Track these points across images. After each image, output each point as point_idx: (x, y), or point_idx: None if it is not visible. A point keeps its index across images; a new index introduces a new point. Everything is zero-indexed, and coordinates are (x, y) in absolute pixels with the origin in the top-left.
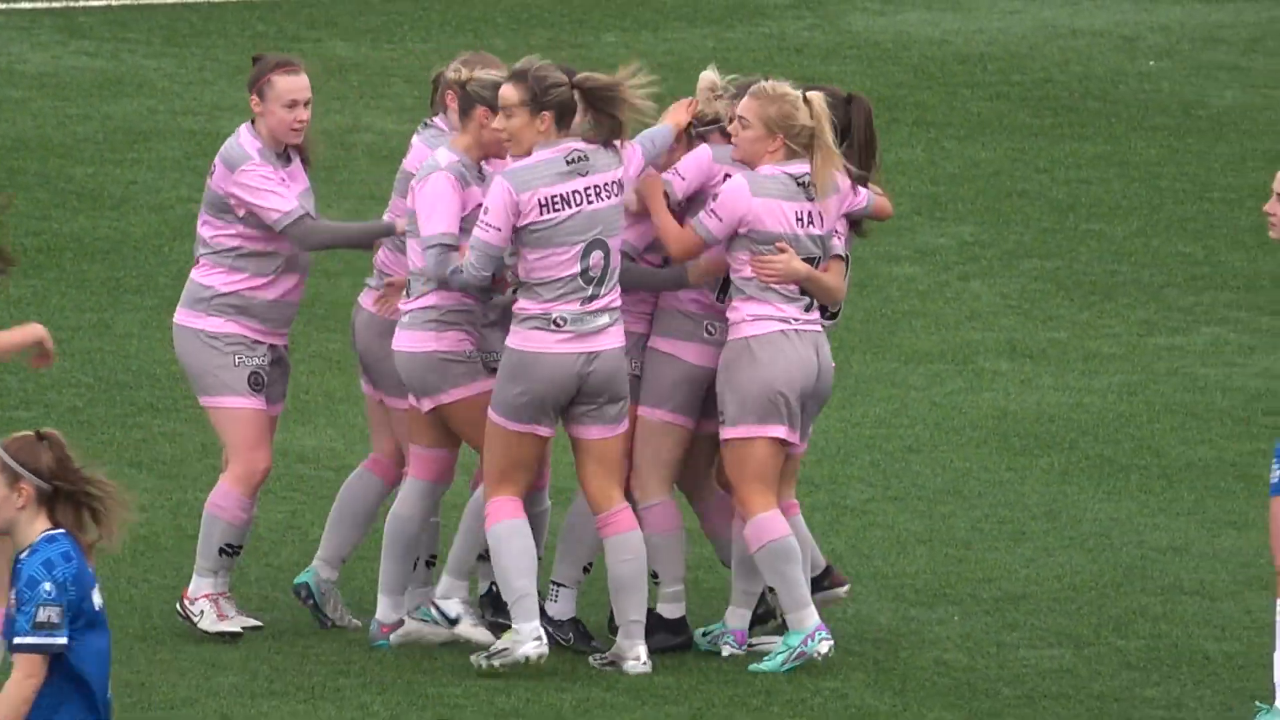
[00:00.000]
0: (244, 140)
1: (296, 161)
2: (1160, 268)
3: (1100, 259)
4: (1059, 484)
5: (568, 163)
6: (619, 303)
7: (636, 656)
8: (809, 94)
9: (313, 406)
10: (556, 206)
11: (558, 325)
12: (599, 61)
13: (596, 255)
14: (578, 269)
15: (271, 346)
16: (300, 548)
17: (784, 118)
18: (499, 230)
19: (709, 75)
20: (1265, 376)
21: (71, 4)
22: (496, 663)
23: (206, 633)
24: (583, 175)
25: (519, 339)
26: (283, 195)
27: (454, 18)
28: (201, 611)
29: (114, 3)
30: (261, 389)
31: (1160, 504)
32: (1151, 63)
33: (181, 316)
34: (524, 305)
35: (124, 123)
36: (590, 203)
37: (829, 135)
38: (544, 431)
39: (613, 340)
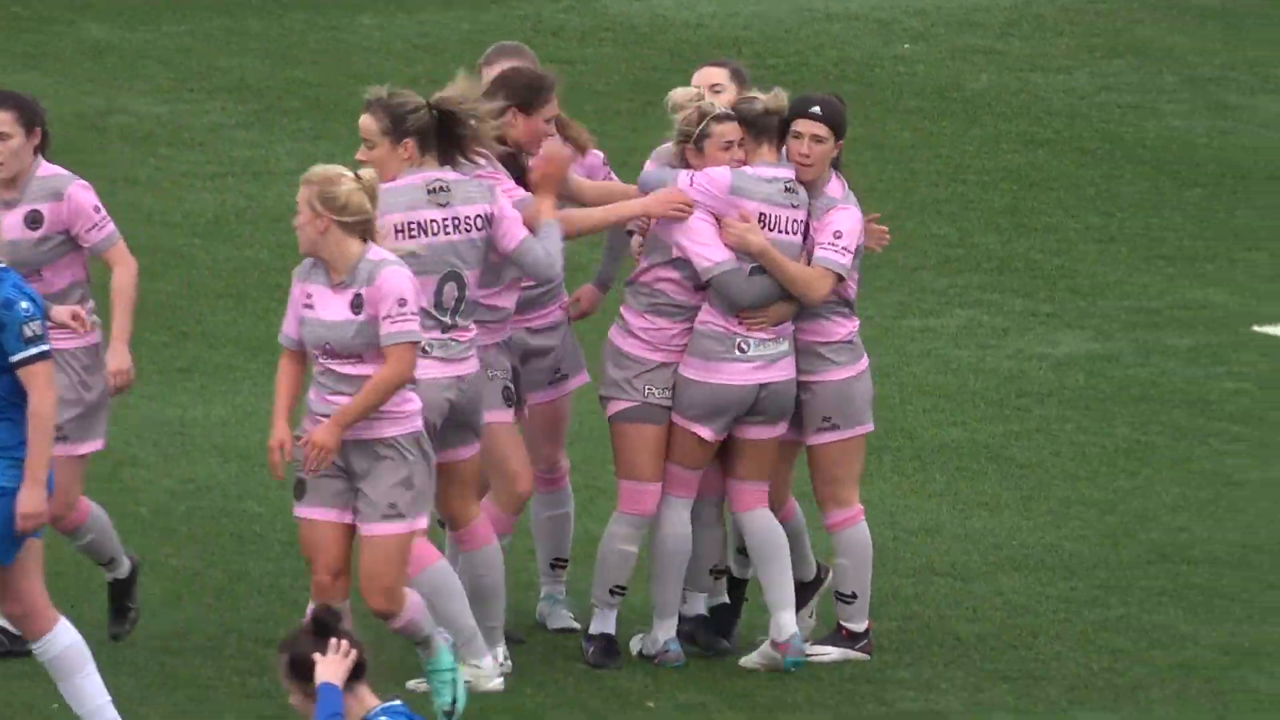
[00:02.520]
0: None
1: None
2: (914, 250)
3: None
4: None
5: (429, 191)
6: (475, 332)
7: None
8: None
9: None
10: (412, 233)
11: (425, 352)
12: (354, 45)
13: (450, 288)
14: (430, 300)
15: None
16: (51, 530)
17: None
18: None
19: (687, 90)
20: (1018, 358)
21: None
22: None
23: None
24: (442, 206)
25: None
26: None
27: (211, 0)
28: None
29: None
30: None
31: (913, 485)
32: (907, 46)
33: None
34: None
35: None
36: (447, 234)
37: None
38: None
39: (472, 366)
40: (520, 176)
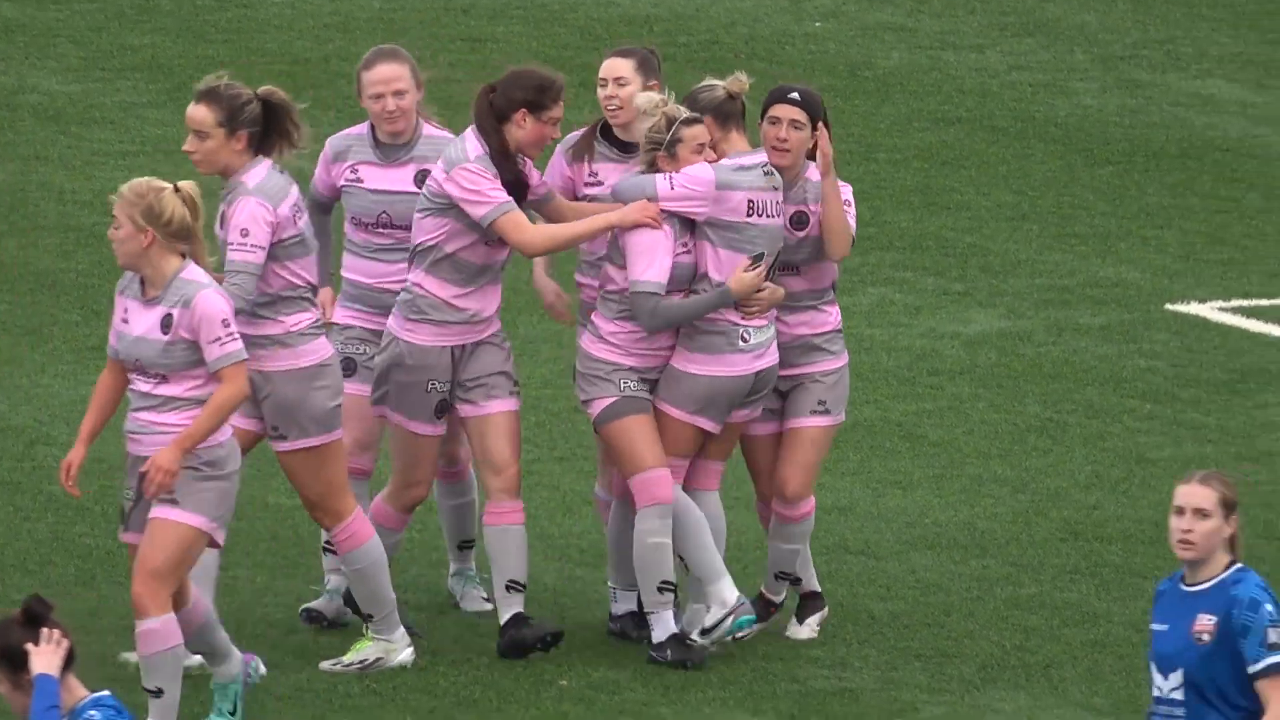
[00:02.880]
0: None
1: None
2: None
3: None
4: None
5: (281, 173)
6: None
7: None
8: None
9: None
10: (299, 217)
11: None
12: (265, 23)
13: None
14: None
15: None
16: None
17: None
18: (262, 250)
19: (652, 95)
20: (930, 337)
21: None
22: (356, 669)
23: None
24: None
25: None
26: None
27: None
28: None
29: None
30: None
31: (826, 464)
32: (818, 24)
33: None
34: (301, 318)
35: None
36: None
37: None
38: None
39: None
40: (516, 179)
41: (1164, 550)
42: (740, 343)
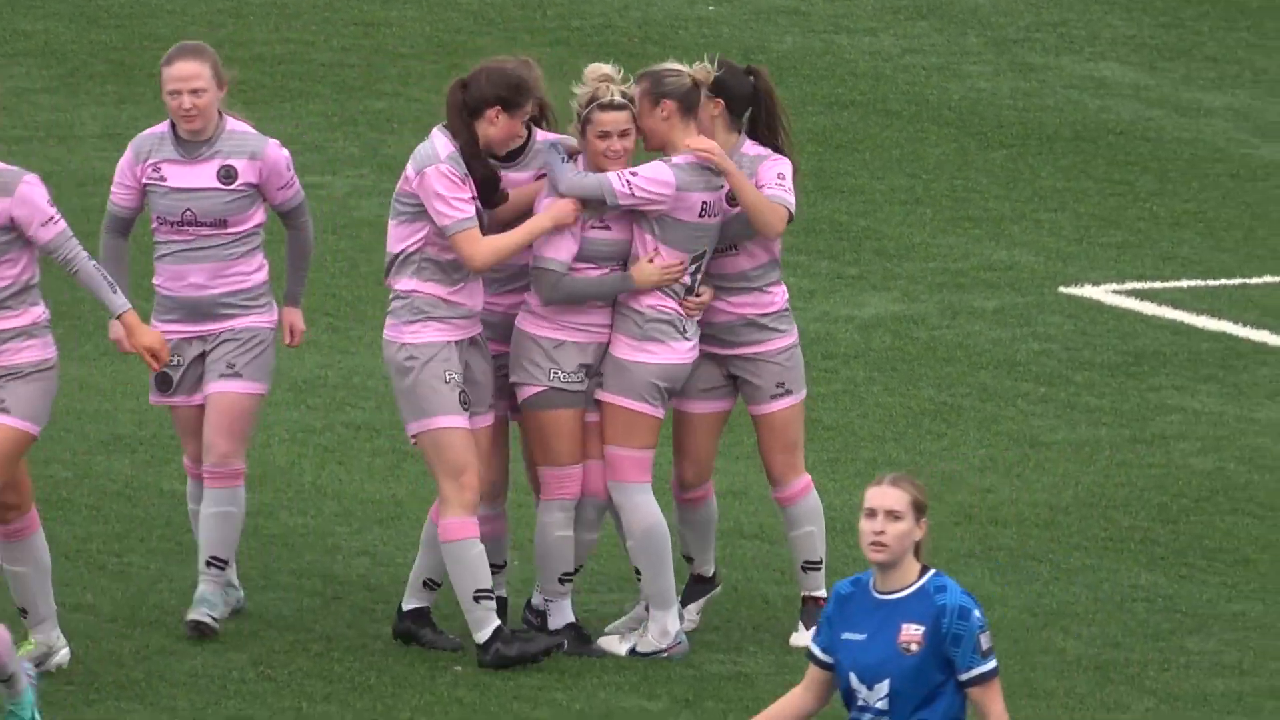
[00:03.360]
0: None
1: None
2: None
3: None
4: None
5: None
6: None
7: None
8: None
9: None
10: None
11: None
12: (158, 8)
13: None
14: None
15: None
16: None
17: None
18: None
19: (600, 66)
20: (824, 320)
21: None
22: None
23: None
24: None
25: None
26: None
27: None
28: None
29: None
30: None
31: (720, 448)
32: (711, 8)
33: None
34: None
35: None
36: None
37: None
38: None
39: None
40: (487, 177)
41: (1058, 534)
42: (684, 334)
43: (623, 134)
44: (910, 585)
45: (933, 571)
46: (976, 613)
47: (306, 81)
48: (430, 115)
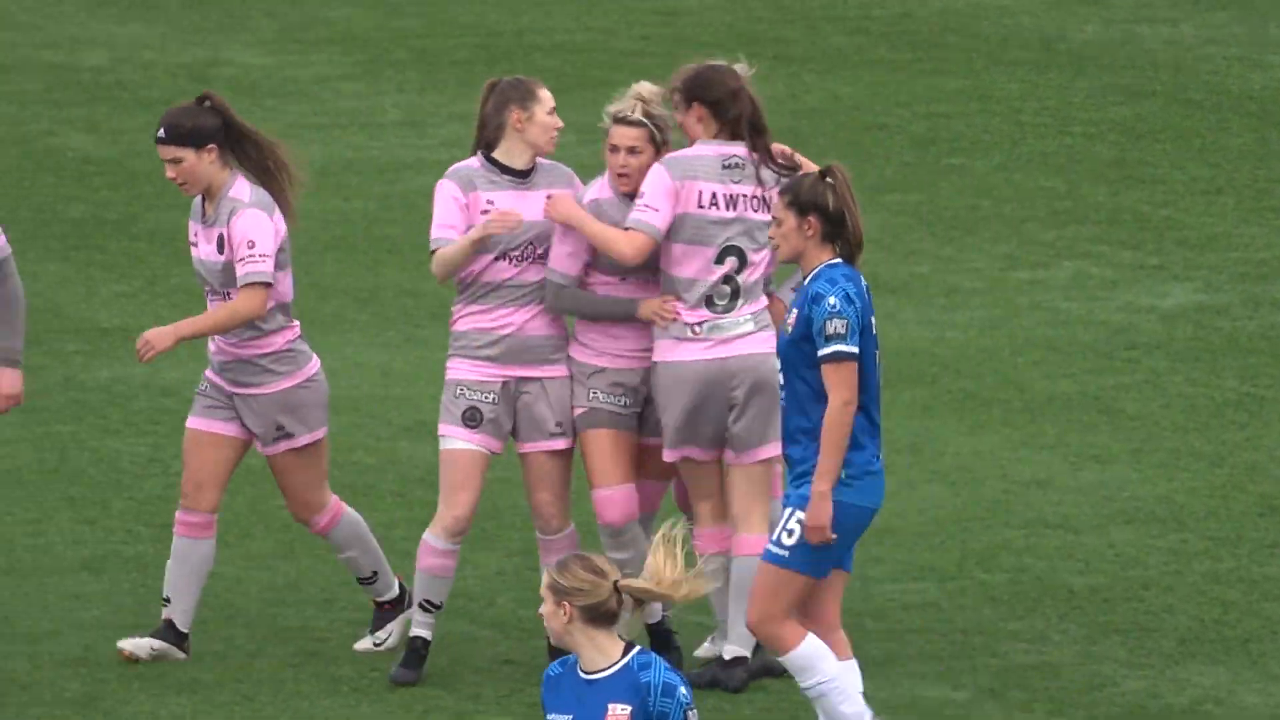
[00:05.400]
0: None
1: None
2: (1022, 202)
3: (961, 193)
4: (921, 418)
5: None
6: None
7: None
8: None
9: None
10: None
11: None
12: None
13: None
14: None
15: None
16: (163, 480)
17: None
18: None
19: (644, 84)
20: (1127, 310)
21: None
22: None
23: None
24: None
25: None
26: None
27: None
28: None
29: None
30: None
31: (1023, 438)
32: None
33: None
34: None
35: None
36: None
37: None
38: None
39: None
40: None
41: None
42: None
43: (631, 150)
44: (615, 664)
45: (637, 649)
46: (682, 689)
47: (607, 70)
48: None
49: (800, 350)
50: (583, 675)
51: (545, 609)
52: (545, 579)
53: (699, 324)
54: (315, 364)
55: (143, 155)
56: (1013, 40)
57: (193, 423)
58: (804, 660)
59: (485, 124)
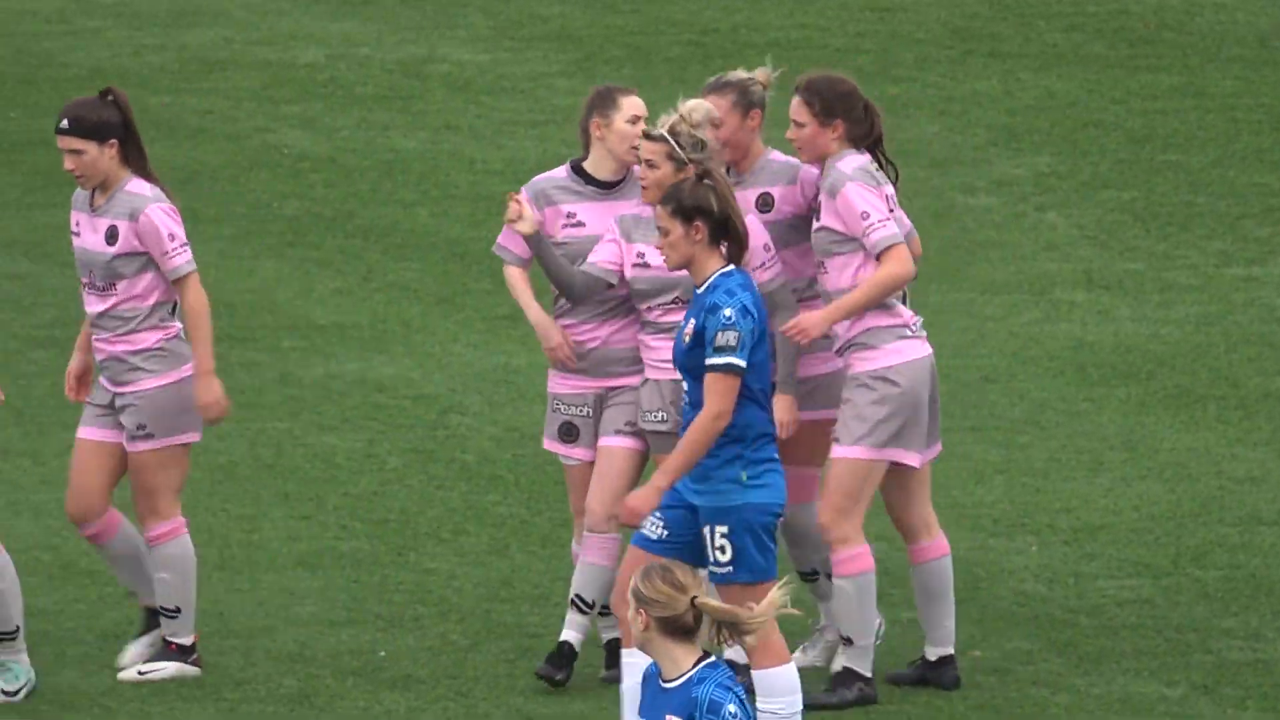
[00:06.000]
0: None
1: None
2: (1237, 198)
3: (1177, 190)
4: (1136, 414)
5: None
6: None
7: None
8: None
9: (389, 335)
10: None
11: None
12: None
13: None
14: None
15: None
16: (378, 476)
17: None
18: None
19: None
20: None
21: None
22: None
23: None
24: None
25: None
26: None
27: None
28: None
29: None
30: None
31: (1238, 434)
32: None
33: None
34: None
35: (199, 52)
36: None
37: None
38: None
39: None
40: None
41: None
42: None
43: (649, 164)
44: (683, 675)
45: (706, 661)
46: (730, 707)
47: (822, 67)
48: (946, 102)
49: (699, 359)
50: (661, 682)
51: (629, 613)
52: (631, 583)
53: (915, 322)
54: (189, 367)
55: (357, 151)
56: (1229, 37)
57: (80, 432)
58: (777, 682)
59: (583, 131)
